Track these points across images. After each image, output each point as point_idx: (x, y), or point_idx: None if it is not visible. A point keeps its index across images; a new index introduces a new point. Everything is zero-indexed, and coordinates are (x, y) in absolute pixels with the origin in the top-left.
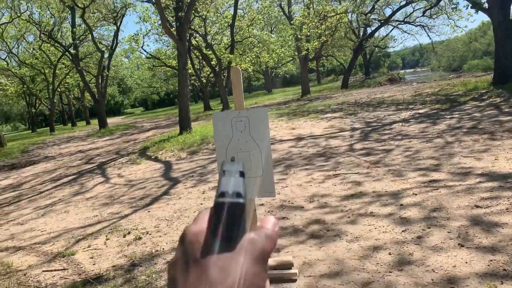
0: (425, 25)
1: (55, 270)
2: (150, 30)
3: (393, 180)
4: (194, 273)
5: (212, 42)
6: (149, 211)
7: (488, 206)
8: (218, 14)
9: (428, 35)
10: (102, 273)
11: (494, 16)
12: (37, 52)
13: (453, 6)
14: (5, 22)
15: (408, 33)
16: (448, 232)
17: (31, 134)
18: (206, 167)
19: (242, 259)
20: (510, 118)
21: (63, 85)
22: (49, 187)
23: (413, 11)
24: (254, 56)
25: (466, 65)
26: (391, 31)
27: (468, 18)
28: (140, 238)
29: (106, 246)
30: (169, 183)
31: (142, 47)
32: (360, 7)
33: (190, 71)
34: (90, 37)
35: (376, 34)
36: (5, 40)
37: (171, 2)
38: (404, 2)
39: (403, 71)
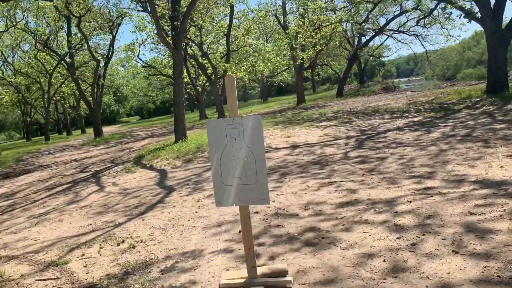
0: (419, 34)
1: (47, 279)
2: (146, 39)
3: (388, 187)
4: None
5: (208, 51)
6: (143, 220)
7: (482, 213)
8: (214, 24)
9: (422, 44)
10: (95, 282)
11: (486, 25)
12: (32, 61)
13: (446, 15)
14: (1, 31)
15: (402, 42)
16: (442, 239)
17: (26, 143)
18: (201, 175)
19: None
20: (504, 126)
21: (58, 94)
22: (43, 196)
23: (407, 20)
24: (249, 65)
25: (460, 74)
26: (385, 40)
27: (461, 27)
28: (134, 247)
29: (100, 255)
30: (164, 192)
31: (138, 56)
32: (355, 16)
33: (185, 79)
34: (86, 46)
35: (371, 43)
36: (1, 49)
37: (166, 11)
38: (398, 12)
39: (397, 80)
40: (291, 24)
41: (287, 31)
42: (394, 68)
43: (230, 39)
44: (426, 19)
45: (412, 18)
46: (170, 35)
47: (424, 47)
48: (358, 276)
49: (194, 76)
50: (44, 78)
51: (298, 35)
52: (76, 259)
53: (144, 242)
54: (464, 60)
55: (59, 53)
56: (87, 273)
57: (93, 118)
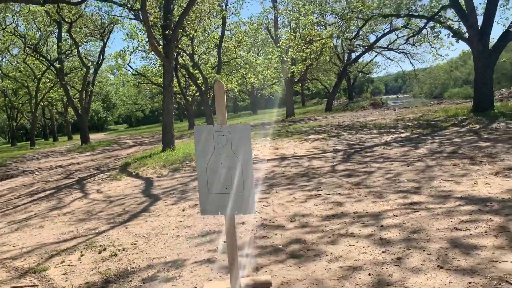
0: (408, 52)
1: (24, 286)
2: (137, 47)
3: (374, 201)
4: None
5: (199, 62)
6: (126, 228)
7: (467, 229)
8: (206, 34)
9: (411, 62)
10: None
11: (474, 45)
12: (21, 65)
13: (435, 34)
14: None
15: (392, 60)
16: (427, 254)
17: (10, 148)
18: (187, 184)
19: None
20: (489, 144)
21: (46, 99)
22: (25, 202)
23: (397, 38)
24: (240, 77)
25: (447, 92)
26: (374, 57)
27: (450, 46)
28: (116, 255)
29: (80, 262)
30: (149, 200)
31: (128, 64)
32: (345, 32)
33: (176, 89)
34: (76, 52)
35: (360, 60)
36: None
37: (158, 20)
38: (388, 30)
39: (385, 96)
40: (282, 38)
41: (278, 45)
42: (383, 85)
43: (222, 50)
44: (415, 37)
45: (401, 36)
46: (162, 44)
47: (412, 65)
48: None
49: (184, 86)
50: (32, 82)
51: (289, 49)
52: (55, 266)
53: (126, 251)
54: (452, 79)
55: (49, 58)
56: (66, 280)
57: (80, 124)
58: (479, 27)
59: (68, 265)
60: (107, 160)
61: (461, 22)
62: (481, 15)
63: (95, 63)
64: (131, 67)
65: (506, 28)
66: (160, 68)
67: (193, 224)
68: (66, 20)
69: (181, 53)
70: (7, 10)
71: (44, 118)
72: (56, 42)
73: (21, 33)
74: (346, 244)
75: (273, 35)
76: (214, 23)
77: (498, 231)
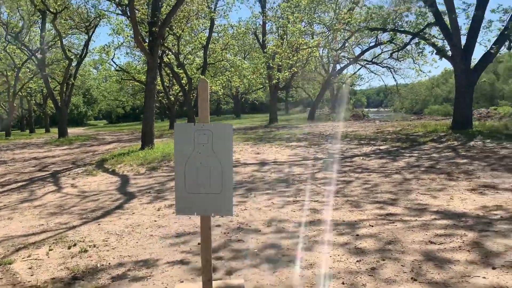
0: (391, 67)
1: None
2: (122, 43)
3: (351, 210)
4: None
5: (184, 61)
6: (99, 224)
7: (442, 243)
8: (193, 35)
9: (394, 77)
10: (39, 285)
11: (457, 64)
12: (1, 53)
13: (419, 50)
14: None
15: (375, 73)
16: (401, 265)
17: None
18: (164, 184)
19: None
20: (466, 161)
21: (25, 89)
22: None
23: (381, 52)
24: (225, 80)
25: (427, 109)
26: (358, 69)
27: (433, 64)
28: (86, 251)
29: (48, 257)
30: (124, 197)
31: (112, 59)
32: (332, 43)
33: (158, 87)
34: (59, 43)
35: (345, 71)
36: None
37: (146, 16)
38: (373, 43)
39: (367, 109)
40: (269, 44)
41: (265, 50)
42: (365, 98)
43: (208, 52)
44: (400, 52)
45: (386, 51)
46: (147, 40)
47: (395, 80)
48: None
49: (168, 85)
50: (11, 71)
51: (276, 55)
52: (21, 260)
53: (97, 247)
54: (432, 96)
55: (31, 48)
56: (31, 275)
57: (59, 117)
58: (462, 47)
59: (35, 259)
60: (84, 155)
61: (445, 40)
62: (465, 35)
63: (78, 56)
64: (114, 63)
65: (488, 49)
66: (144, 65)
67: (167, 224)
68: (51, 10)
69: (167, 51)
70: None
71: (22, 108)
72: (39, 32)
73: (3, 20)
74: (321, 251)
75: (261, 40)
76: (202, 24)
77: (472, 247)
